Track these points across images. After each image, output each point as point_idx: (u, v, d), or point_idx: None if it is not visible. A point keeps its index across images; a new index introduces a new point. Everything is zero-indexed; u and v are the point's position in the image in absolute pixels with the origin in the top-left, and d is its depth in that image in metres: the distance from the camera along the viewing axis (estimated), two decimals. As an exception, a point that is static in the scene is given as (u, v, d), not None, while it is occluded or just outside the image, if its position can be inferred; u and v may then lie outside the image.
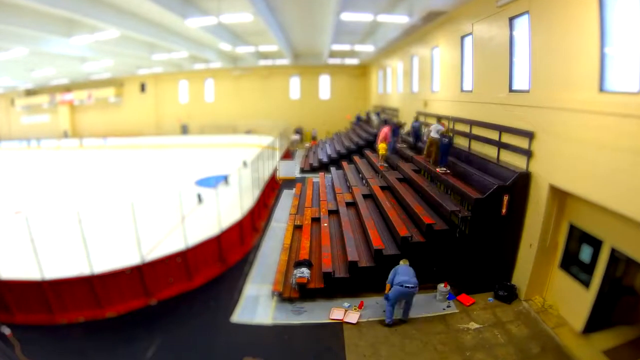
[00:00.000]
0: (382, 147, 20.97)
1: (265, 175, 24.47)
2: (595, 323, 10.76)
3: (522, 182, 12.42)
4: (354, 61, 45.67)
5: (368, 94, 48.05)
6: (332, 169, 26.60)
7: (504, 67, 14.01)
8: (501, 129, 14.15)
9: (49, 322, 12.24)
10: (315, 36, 33.00)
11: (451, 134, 17.52)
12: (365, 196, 18.85)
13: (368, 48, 33.88)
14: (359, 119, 42.59)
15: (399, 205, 16.81)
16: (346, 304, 12.75)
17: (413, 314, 12.17)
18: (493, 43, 14.88)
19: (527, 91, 12.69)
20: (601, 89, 9.66)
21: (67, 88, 52.88)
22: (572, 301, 11.37)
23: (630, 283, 10.82)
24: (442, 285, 13.01)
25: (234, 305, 13.03)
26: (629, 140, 8.91)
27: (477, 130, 16.25)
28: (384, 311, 11.98)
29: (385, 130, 21.63)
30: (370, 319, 12.11)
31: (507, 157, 13.85)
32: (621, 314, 10.83)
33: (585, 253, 11.25)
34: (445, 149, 16.52)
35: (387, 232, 15.03)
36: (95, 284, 12.57)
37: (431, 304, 12.77)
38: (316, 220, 18.05)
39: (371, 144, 30.74)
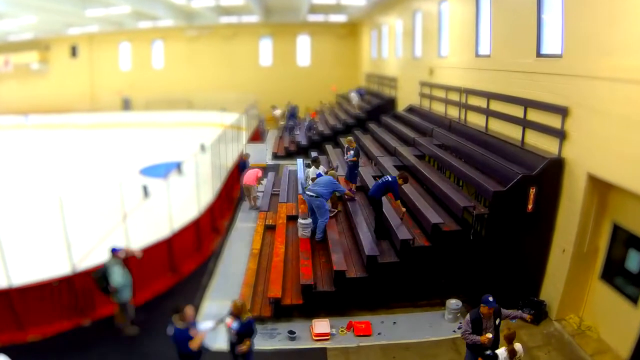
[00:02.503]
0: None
1: (229, 162, 24.30)
2: (645, 349, 10.70)
3: (553, 171, 12.34)
4: (340, 18, 45.48)
5: (359, 60, 48.06)
6: (314, 154, 26.26)
7: (531, 26, 13.88)
8: (527, 103, 14.07)
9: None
10: (291, -15, 32.77)
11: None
12: (355, 188, 18.64)
13: (359, 1, 33.70)
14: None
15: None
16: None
17: (416, 336, 12.14)
18: (517, -5, 14.78)
19: (560, 56, 12.56)
20: (654, 53, 9.53)
21: (-24, 52, 51.82)
22: (616, 321, 11.29)
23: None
24: (452, 301, 12.94)
25: None
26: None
27: (496, 106, 16.20)
28: None
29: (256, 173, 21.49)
30: (361, 344, 12.00)
31: (534, 140, 13.79)
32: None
33: (633, 260, 11.15)
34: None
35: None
36: (14, 299, 12.27)
37: (439, 325, 12.73)
38: (293, 219, 17.90)
39: (362, 123, 30.72)
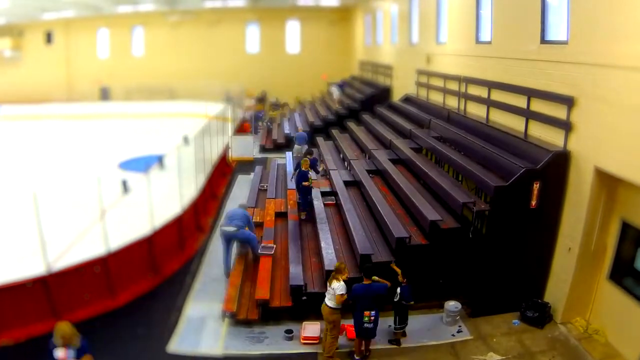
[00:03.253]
0: None
1: (214, 155, 24.24)
2: (656, 353, 10.67)
3: (558, 165, 12.25)
4: (332, 2, 45.48)
5: (352, 47, 48.09)
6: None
7: (534, 10, 13.82)
8: (530, 93, 14.02)
9: None
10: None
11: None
12: (347, 183, 18.74)
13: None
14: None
15: (393, 195, 16.73)
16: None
17: (412, 341, 12.10)
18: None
19: (565, 42, 12.49)
20: (667, 38, 9.49)
21: (-56, 37, 51.38)
22: (625, 324, 11.24)
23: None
24: (450, 303, 12.85)
25: (171, 329, 12.81)
26: None
27: (497, 95, 16.17)
28: None
29: None
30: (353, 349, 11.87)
31: (539, 132, 13.74)
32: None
33: (644, 260, 11.15)
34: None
35: (378, 231, 14.87)
36: (-16, 302, 12.20)
37: (437, 328, 12.65)
38: (282, 216, 17.90)
39: (356, 114, 30.61)
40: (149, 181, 16.80)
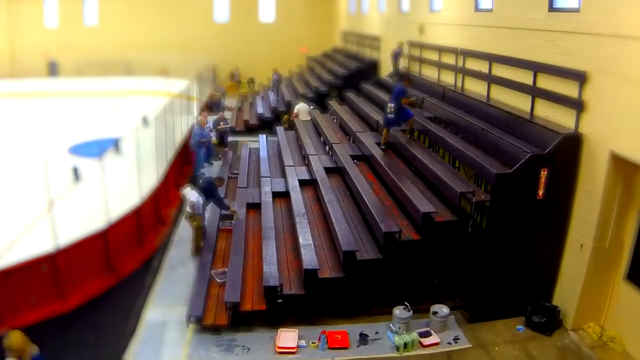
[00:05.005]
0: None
1: (177, 138, 24.18)
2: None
3: (568, 150, 12.22)
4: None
5: (334, 15, 48.41)
6: (279, 128, 26.58)
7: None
8: (537, 67, 14.01)
9: None
10: None
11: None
12: (329, 170, 18.77)
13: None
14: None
15: (381, 184, 16.73)
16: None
17: (404, 350, 12.01)
18: None
19: (577, 10, 12.47)
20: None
21: None
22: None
23: None
24: (440, 306, 12.89)
25: (128, 336, 12.74)
26: None
27: (499, 70, 16.21)
28: None
29: None
30: (337, 359, 11.89)
31: (546, 111, 13.73)
32: None
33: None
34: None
35: (364, 225, 14.87)
36: None
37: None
38: (254, 207, 17.86)
39: (339, 91, 30.59)
40: (103, 168, 16.63)
